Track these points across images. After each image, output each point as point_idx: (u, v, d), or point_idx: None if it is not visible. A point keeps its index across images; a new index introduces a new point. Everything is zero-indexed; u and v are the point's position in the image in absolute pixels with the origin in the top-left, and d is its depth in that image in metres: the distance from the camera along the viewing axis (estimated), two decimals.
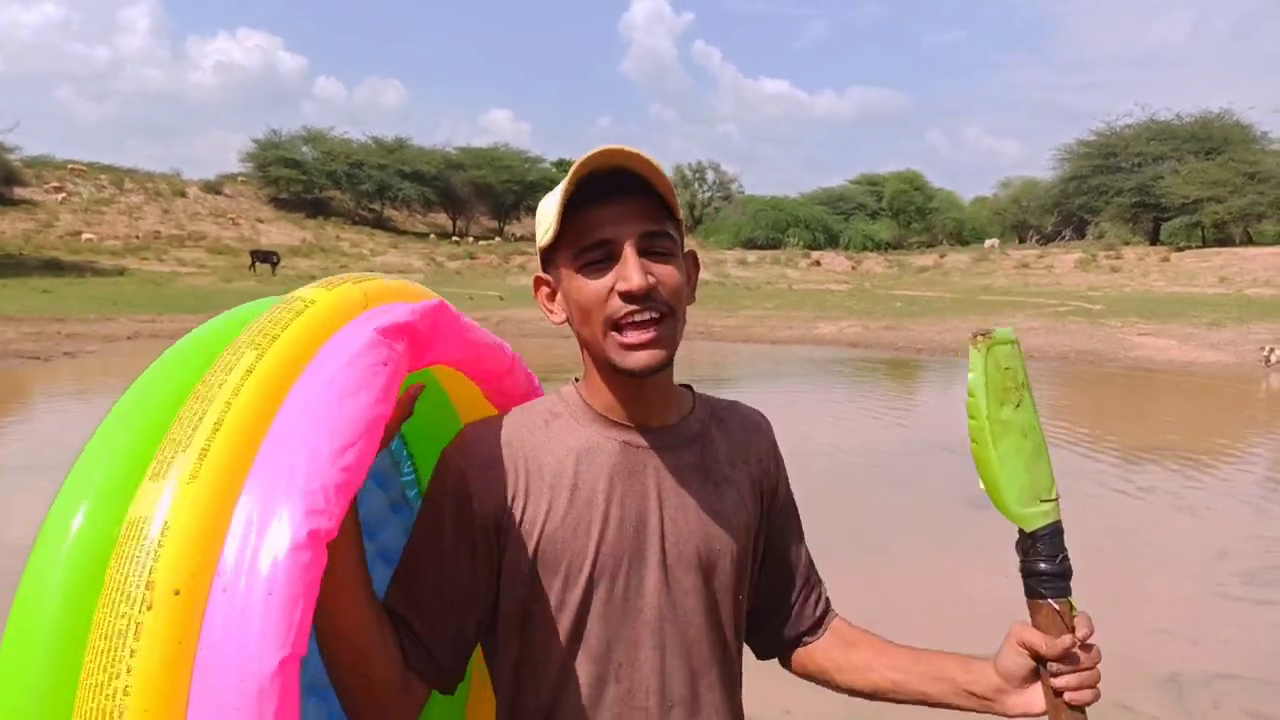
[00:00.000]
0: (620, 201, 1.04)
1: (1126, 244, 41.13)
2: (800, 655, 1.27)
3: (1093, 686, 1.02)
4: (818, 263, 42.97)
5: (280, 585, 0.76)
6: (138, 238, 36.00)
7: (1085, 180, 44.71)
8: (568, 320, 1.12)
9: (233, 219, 41.28)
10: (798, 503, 1.31)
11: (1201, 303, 24.35)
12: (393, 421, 1.04)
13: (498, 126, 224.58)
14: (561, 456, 1.11)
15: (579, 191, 1.04)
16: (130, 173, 44.14)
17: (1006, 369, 1.06)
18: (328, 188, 47.43)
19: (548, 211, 1.08)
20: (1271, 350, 16.05)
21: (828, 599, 1.29)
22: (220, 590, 0.78)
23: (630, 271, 1.03)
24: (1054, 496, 1.07)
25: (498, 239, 47.90)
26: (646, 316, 1.05)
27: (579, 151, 1.09)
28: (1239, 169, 37.23)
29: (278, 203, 45.74)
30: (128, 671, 0.74)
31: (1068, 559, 1.06)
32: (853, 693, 1.23)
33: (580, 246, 1.06)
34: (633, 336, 1.05)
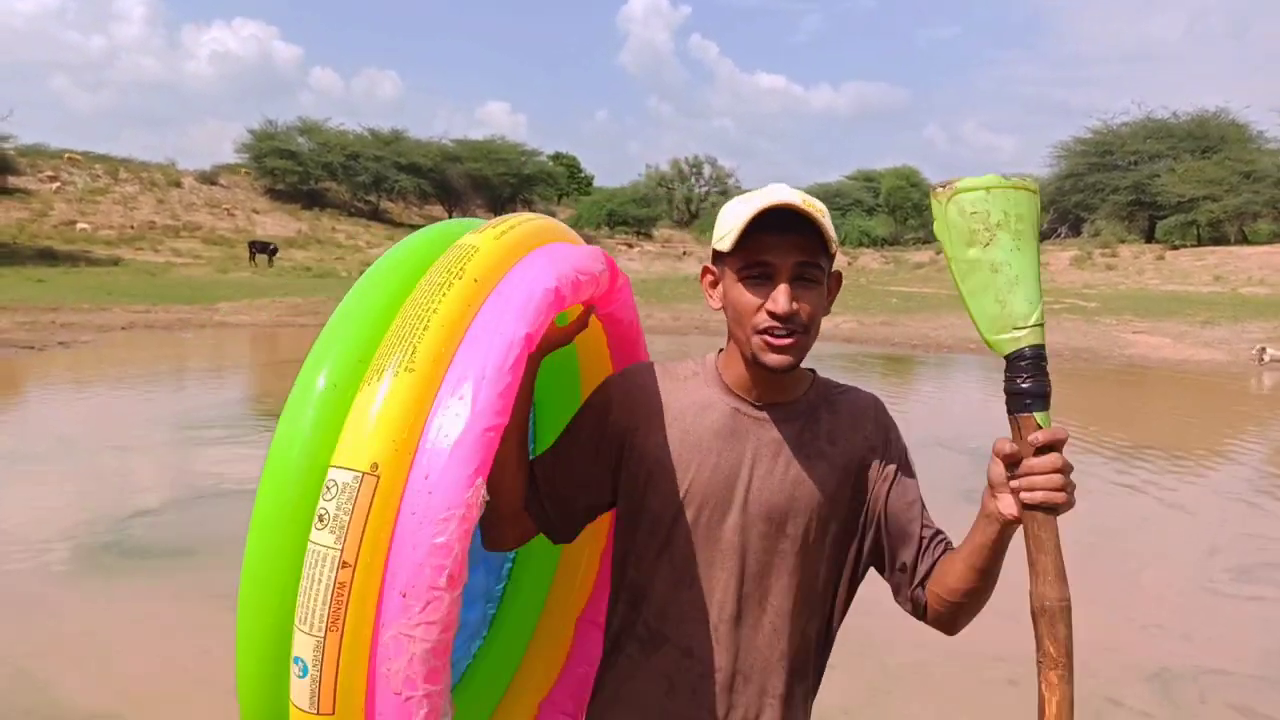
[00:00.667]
0: (788, 235, 1.28)
1: (1122, 242, 41.13)
2: (925, 591, 1.40)
3: (1045, 489, 1.14)
4: None
5: (534, 303, 1.21)
6: (132, 228, 35.84)
7: (1081, 178, 44.72)
8: (723, 309, 1.38)
9: (228, 209, 41.11)
10: None
11: (1196, 301, 24.42)
12: (574, 326, 1.46)
13: (494, 118, 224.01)
14: (686, 405, 1.40)
15: (756, 219, 1.27)
16: (125, 162, 43.88)
17: (973, 213, 1.19)
18: (324, 179, 47.21)
19: (728, 222, 1.32)
20: (1264, 349, 16.11)
21: (944, 545, 1.41)
22: (496, 293, 1.25)
23: (779, 297, 1.28)
24: (1032, 323, 1.18)
25: None
26: (785, 331, 1.30)
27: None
28: (1235, 168, 37.28)
29: (273, 194, 45.55)
30: (440, 300, 1.21)
31: (1038, 379, 1.17)
32: (952, 605, 1.35)
33: (747, 261, 1.30)
34: (774, 342, 1.30)
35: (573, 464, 1.43)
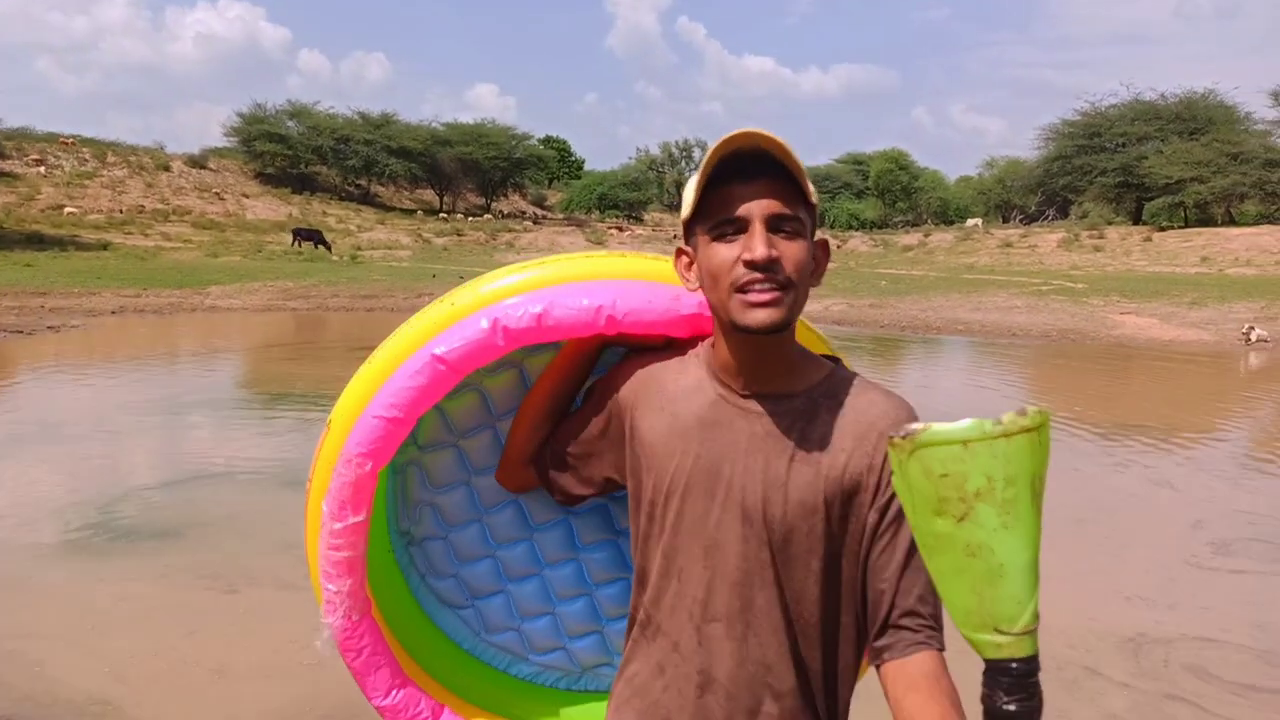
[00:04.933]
0: (756, 182, 1.13)
1: (1109, 224, 41.21)
2: (881, 669, 1.19)
3: None
4: None
5: (413, 367, 1.40)
6: (121, 211, 35.59)
7: (1069, 160, 44.65)
8: (701, 287, 1.22)
9: (218, 193, 40.85)
10: None
11: (1183, 282, 24.51)
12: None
13: (483, 101, 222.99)
14: (679, 390, 1.30)
15: (719, 169, 1.13)
16: (113, 146, 43.56)
17: (943, 476, 0.90)
18: (314, 163, 46.88)
19: (690, 188, 1.18)
20: (1251, 329, 16.21)
21: (922, 628, 1.15)
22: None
23: (756, 243, 1.12)
24: (1019, 630, 0.91)
25: (486, 215, 47.64)
26: (768, 285, 1.13)
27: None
28: (1222, 149, 37.27)
29: (263, 178, 45.23)
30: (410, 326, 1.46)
31: (1026, 701, 0.91)
32: None
33: (715, 220, 1.16)
34: (754, 298, 1.13)
35: (582, 430, 1.42)
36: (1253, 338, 15.90)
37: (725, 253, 1.15)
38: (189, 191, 40.42)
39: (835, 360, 1.31)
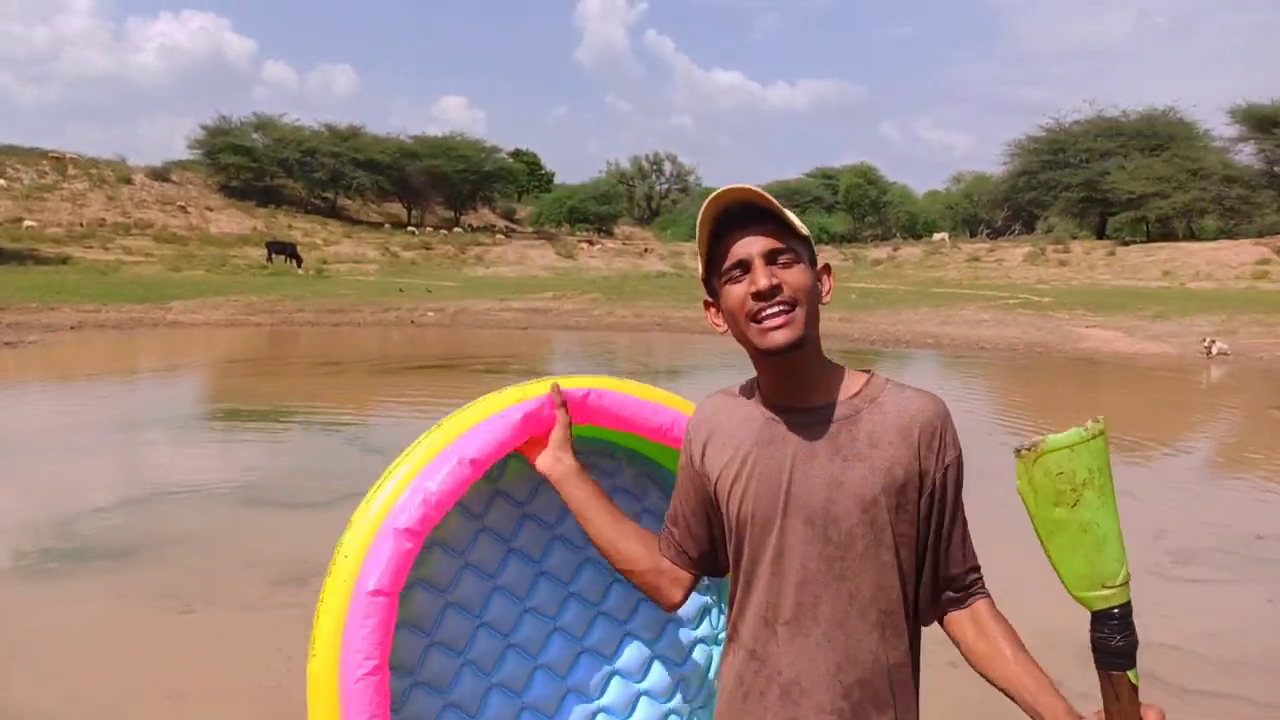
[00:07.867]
0: (749, 228, 1.34)
1: (1074, 238, 41.83)
2: (945, 620, 1.44)
3: None
4: None
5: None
6: (81, 225, 35.06)
7: (1034, 175, 45.34)
8: (729, 330, 1.41)
9: (181, 206, 40.35)
10: None
11: (1146, 296, 24.89)
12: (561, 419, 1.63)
13: (451, 114, 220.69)
14: (736, 422, 1.44)
15: (716, 228, 1.36)
16: (74, 159, 42.99)
17: (1059, 474, 1.16)
18: (279, 176, 46.44)
19: (698, 249, 1.41)
20: (1212, 342, 16.48)
21: (974, 583, 1.43)
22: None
23: (757, 275, 1.32)
24: (1120, 582, 1.17)
25: (455, 229, 47.44)
26: (776, 309, 1.32)
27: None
28: (1182, 165, 38.04)
29: (228, 190, 44.74)
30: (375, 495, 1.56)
31: (1129, 638, 1.18)
32: (975, 668, 1.42)
33: (723, 268, 1.36)
34: (767, 323, 1.32)
35: (685, 503, 1.53)
36: (1214, 350, 16.16)
37: (737, 292, 1.35)
38: (151, 204, 39.88)
39: (868, 371, 1.46)
